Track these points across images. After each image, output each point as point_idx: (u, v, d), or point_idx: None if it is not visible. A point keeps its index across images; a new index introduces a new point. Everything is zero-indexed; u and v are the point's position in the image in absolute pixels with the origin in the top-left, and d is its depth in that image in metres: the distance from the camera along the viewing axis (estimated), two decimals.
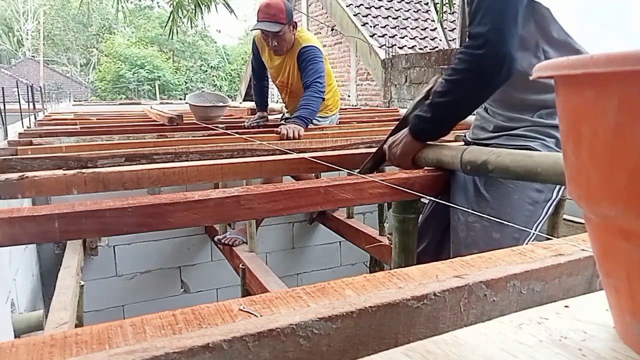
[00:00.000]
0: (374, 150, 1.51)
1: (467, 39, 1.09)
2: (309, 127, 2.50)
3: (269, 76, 2.85)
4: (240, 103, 6.22)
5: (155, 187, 1.47)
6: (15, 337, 1.45)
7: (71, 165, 1.41)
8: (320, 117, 2.76)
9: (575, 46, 1.08)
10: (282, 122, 2.89)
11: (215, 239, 2.55)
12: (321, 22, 8.07)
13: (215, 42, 28.79)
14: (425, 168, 1.27)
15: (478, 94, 1.10)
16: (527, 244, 1.13)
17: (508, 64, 1.02)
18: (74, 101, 11.99)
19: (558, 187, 1.15)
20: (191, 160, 1.53)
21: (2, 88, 2.37)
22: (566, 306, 0.41)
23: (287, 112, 2.94)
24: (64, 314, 1.41)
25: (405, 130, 1.25)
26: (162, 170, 1.27)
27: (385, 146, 1.33)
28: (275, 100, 6.91)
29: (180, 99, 17.12)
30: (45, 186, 1.15)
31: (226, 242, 2.46)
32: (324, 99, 2.53)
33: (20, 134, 2.34)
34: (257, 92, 2.92)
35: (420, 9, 8.26)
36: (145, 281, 2.86)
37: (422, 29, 7.86)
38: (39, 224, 0.84)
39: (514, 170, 0.97)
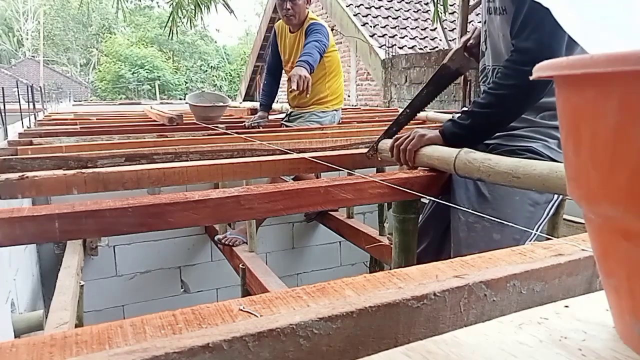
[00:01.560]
0: None
1: (510, 53, 1.09)
2: (311, 126, 2.52)
3: (283, 67, 2.88)
4: (240, 103, 6.22)
5: (155, 187, 1.47)
6: (15, 337, 1.45)
7: (71, 165, 1.41)
8: (321, 112, 2.76)
9: (576, 45, 1.08)
10: (285, 121, 2.90)
11: (215, 238, 2.56)
12: None
13: (215, 42, 28.81)
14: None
15: (519, 109, 1.11)
16: (527, 245, 1.12)
17: (552, 83, 1.01)
18: (74, 101, 11.99)
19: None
20: (191, 160, 1.53)
21: (2, 88, 2.37)
22: (566, 306, 0.41)
23: (291, 108, 2.93)
24: (64, 314, 1.41)
25: (435, 131, 1.24)
26: (162, 170, 1.27)
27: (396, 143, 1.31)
28: (275, 100, 6.90)
29: (180, 99, 17.13)
30: (45, 186, 1.15)
31: (226, 242, 2.46)
32: (322, 56, 2.59)
33: (20, 134, 2.34)
34: (267, 91, 2.92)
35: (420, 9, 8.26)
36: (145, 281, 2.86)
37: (422, 29, 7.86)
38: (39, 224, 0.84)
39: (509, 184, 0.97)
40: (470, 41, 1.35)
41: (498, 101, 1.11)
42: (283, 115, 3.09)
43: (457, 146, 1.16)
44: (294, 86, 2.23)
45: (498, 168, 0.98)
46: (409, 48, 7.18)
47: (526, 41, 1.04)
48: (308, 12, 2.68)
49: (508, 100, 1.10)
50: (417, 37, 7.62)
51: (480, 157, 1.03)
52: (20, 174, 1.17)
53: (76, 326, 1.50)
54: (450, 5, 6.47)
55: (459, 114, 1.20)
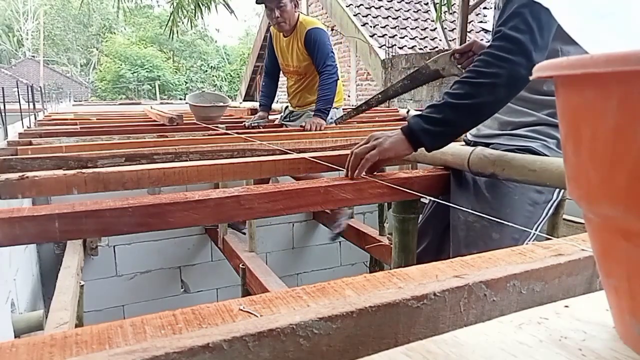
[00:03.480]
0: None
1: (494, 40, 1.02)
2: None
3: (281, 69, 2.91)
4: (240, 103, 6.22)
5: (155, 187, 1.47)
6: (15, 337, 1.45)
7: (71, 165, 1.40)
8: None
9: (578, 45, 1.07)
10: (285, 119, 2.91)
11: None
12: (321, 22, 8.07)
13: (216, 42, 28.83)
14: (426, 168, 1.27)
15: (502, 101, 1.03)
16: (526, 245, 1.12)
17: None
18: (74, 101, 11.97)
19: (558, 188, 1.15)
20: (191, 160, 1.53)
21: (2, 88, 2.37)
22: (566, 306, 0.41)
23: (291, 107, 2.94)
24: (64, 314, 1.41)
25: (396, 131, 1.12)
26: (162, 170, 1.27)
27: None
28: (275, 100, 6.92)
29: (180, 99, 17.14)
30: (45, 186, 1.15)
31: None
32: (338, 78, 2.68)
33: (20, 134, 2.34)
34: (266, 92, 2.94)
35: (420, 9, 8.27)
36: (145, 281, 2.86)
37: (422, 29, 7.87)
38: (39, 224, 0.84)
39: (522, 180, 1.00)
40: (458, 48, 1.35)
41: (476, 91, 1.00)
42: (285, 113, 3.09)
43: (425, 147, 1.07)
44: (308, 128, 2.45)
45: (514, 162, 1.00)
46: (409, 48, 7.19)
47: (514, 30, 0.98)
48: (298, 15, 2.68)
49: (492, 90, 0.99)
50: (417, 37, 7.62)
51: (496, 153, 1.07)
52: (20, 174, 1.17)
53: (76, 326, 1.50)
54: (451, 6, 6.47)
55: (426, 109, 1.09)
